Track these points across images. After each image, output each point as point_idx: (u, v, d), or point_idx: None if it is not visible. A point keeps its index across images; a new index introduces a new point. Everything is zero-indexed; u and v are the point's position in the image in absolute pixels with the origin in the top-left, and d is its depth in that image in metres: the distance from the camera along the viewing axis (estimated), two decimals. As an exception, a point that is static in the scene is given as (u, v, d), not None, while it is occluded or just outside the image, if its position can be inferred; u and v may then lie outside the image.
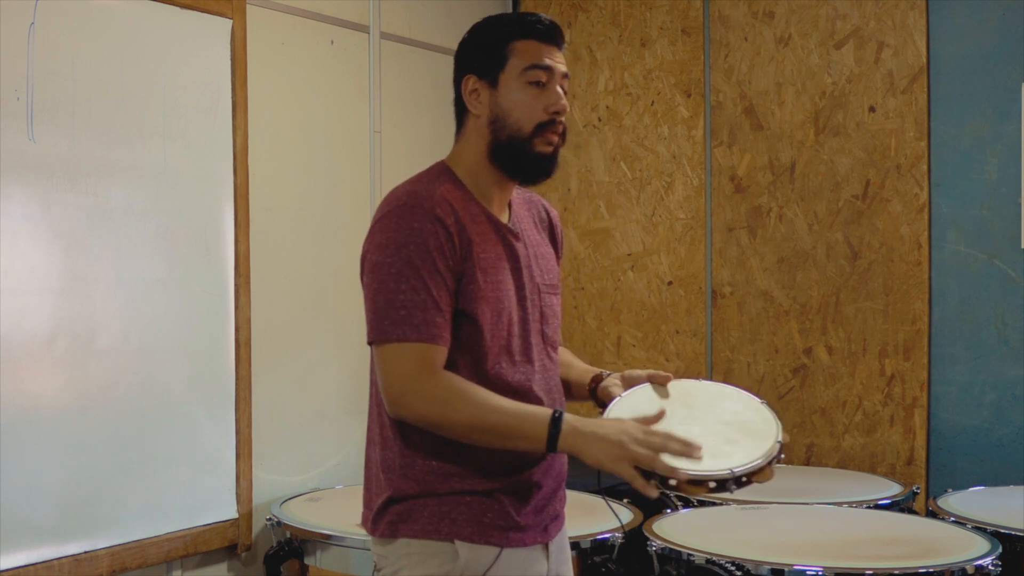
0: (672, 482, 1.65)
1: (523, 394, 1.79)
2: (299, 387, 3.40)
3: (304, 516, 2.93)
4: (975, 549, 2.43)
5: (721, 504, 2.91)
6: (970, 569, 2.31)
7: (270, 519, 2.93)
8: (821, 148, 3.63)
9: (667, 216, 3.93)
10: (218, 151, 3.09)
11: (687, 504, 2.92)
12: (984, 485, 3.18)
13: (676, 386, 1.90)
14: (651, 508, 2.81)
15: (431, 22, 3.82)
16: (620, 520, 2.68)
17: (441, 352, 1.73)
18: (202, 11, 3.02)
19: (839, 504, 2.93)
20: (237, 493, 3.13)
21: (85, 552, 2.73)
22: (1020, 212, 3.31)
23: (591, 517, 2.79)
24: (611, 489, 2.96)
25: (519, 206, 1.94)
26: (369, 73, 3.61)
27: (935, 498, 2.96)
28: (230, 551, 3.15)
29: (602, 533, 2.65)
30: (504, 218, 1.88)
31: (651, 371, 1.91)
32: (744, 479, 1.69)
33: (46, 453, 2.65)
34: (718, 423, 1.80)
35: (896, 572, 2.30)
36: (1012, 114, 3.33)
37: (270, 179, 3.27)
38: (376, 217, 1.78)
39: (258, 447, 3.20)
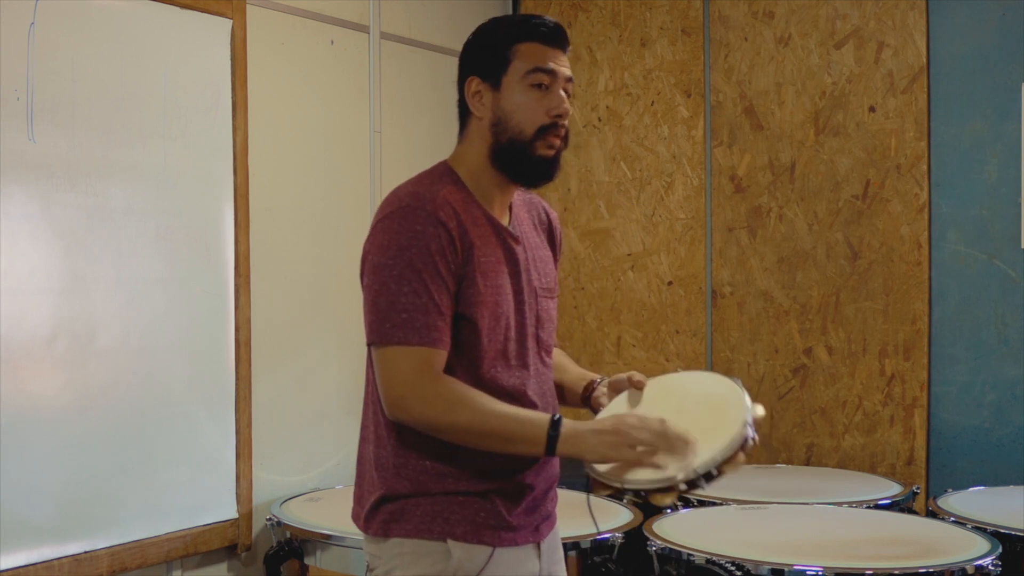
0: (643, 492, 1.70)
1: (517, 398, 1.80)
2: (299, 387, 3.40)
3: (304, 516, 2.93)
4: (975, 549, 2.43)
5: (721, 504, 2.91)
6: (970, 569, 2.31)
7: (270, 519, 2.93)
8: (821, 148, 3.63)
9: (667, 216, 3.93)
10: (218, 151, 3.09)
11: (687, 504, 2.93)
12: (984, 485, 3.18)
13: (652, 385, 1.90)
14: (651, 508, 2.81)
15: (431, 22, 3.82)
16: (597, 526, 2.63)
17: (441, 356, 1.73)
18: (202, 11, 3.02)
19: (839, 504, 2.93)
20: (237, 493, 3.13)
21: (85, 552, 2.73)
22: (1020, 212, 3.31)
23: (590, 518, 2.78)
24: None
25: (519, 208, 1.93)
26: (369, 73, 3.61)
27: (935, 498, 2.96)
28: (230, 551, 3.15)
29: (602, 533, 2.65)
30: (505, 221, 1.87)
31: (631, 373, 1.92)
32: (714, 472, 1.69)
33: (46, 453, 2.65)
34: (687, 418, 1.78)
35: (896, 572, 2.30)
36: (1012, 114, 3.33)
37: (270, 179, 3.27)
38: (378, 217, 1.78)
39: (258, 447, 3.20)
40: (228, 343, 3.12)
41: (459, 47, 1.89)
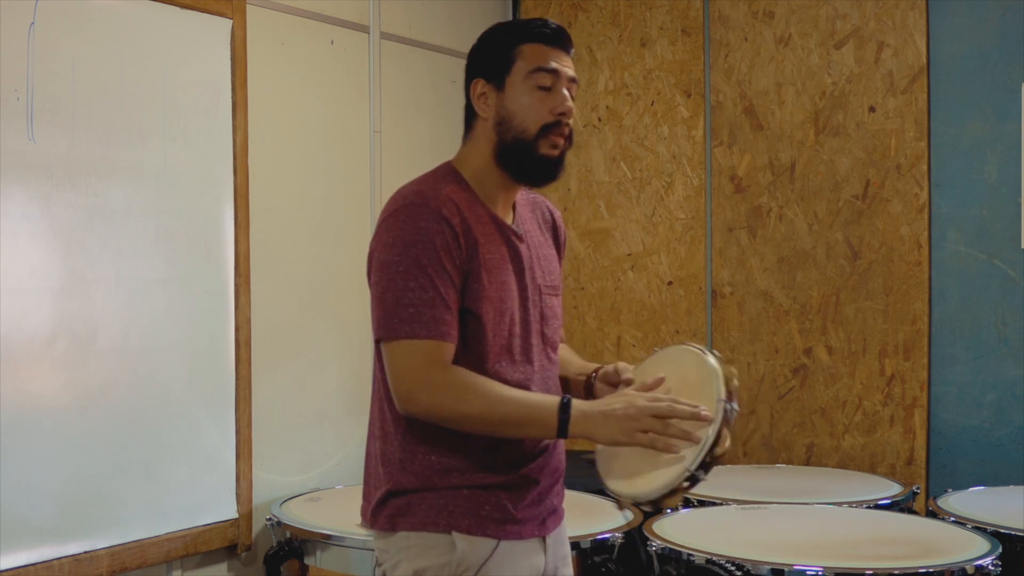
0: (654, 501, 1.74)
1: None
2: (299, 387, 3.40)
3: (304, 516, 2.93)
4: (975, 549, 2.43)
5: (721, 504, 2.91)
6: (970, 569, 2.31)
7: (270, 519, 2.93)
8: (821, 148, 3.63)
9: (667, 216, 3.93)
10: (218, 151, 3.09)
11: (687, 504, 2.93)
12: (984, 485, 3.18)
13: (636, 375, 1.89)
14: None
15: (431, 22, 3.82)
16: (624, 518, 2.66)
17: (449, 349, 1.75)
18: (202, 11, 3.02)
19: (839, 504, 2.93)
20: (237, 493, 3.13)
21: (85, 552, 2.73)
22: (1020, 212, 3.31)
23: (591, 517, 2.79)
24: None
25: (523, 207, 1.96)
26: (369, 73, 3.61)
27: (935, 498, 2.96)
28: (230, 551, 3.15)
29: (602, 533, 2.65)
30: (509, 219, 1.90)
31: (617, 365, 1.93)
32: (707, 459, 1.70)
33: (46, 453, 2.65)
34: None
35: (896, 572, 2.30)
36: (1012, 114, 3.33)
37: (270, 179, 3.27)
38: (382, 216, 1.80)
39: (258, 447, 3.20)
40: (228, 343, 3.12)
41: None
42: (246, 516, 3.15)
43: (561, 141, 1.83)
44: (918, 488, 3.11)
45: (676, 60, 3.90)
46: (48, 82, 2.65)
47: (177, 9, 2.96)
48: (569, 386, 2.01)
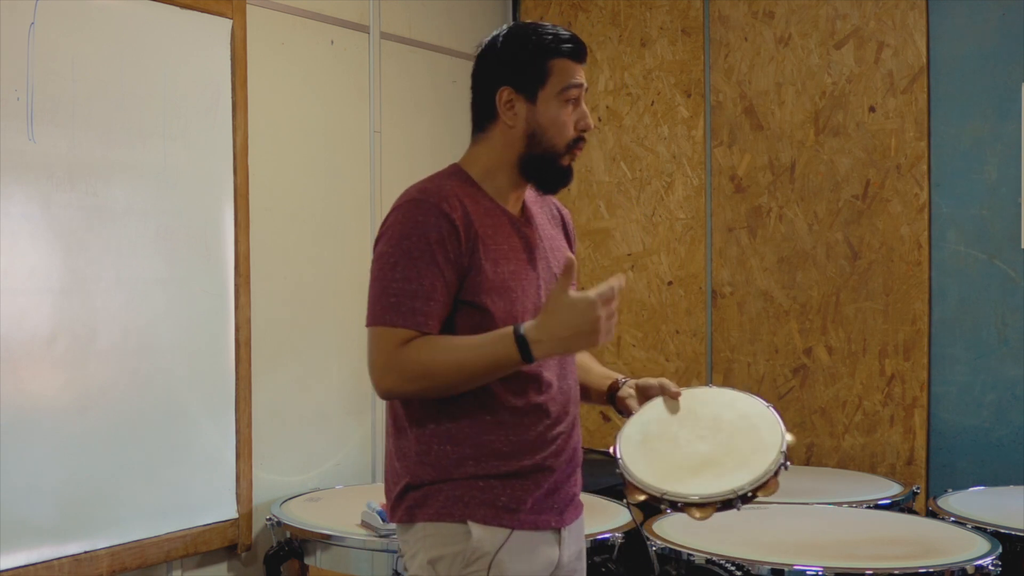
0: (679, 504, 1.78)
1: (534, 378, 1.84)
2: (299, 387, 3.40)
3: (304, 516, 2.93)
4: (975, 549, 2.43)
5: (721, 504, 2.91)
6: (970, 569, 2.31)
7: (270, 519, 2.93)
8: (821, 148, 3.63)
9: (667, 216, 3.93)
10: (218, 151, 3.09)
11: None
12: (984, 485, 3.18)
13: (686, 397, 1.97)
14: (652, 508, 2.81)
15: (431, 22, 3.82)
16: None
17: None
18: (202, 11, 3.02)
19: (839, 504, 2.93)
20: (237, 493, 3.13)
21: (85, 552, 2.73)
22: (1020, 212, 3.31)
23: (591, 517, 2.78)
24: (613, 489, 2.95)
25: (532, 203, 2.00)
26: (369, 73, 3.61)
27: (935, 498, 2.96)
28: (230, 551, 3.15)
29: (602, 533, 2.65)
30: (518, 214, 1.94)
31: (662, 380, 1.99)
32: (749, 494, 1.77)
33: (46, 453, 2.65)
34: (724, 437, 1.89)
35: (896, 572, 2.30)
36: (1012, 114, 3.33)
37: (270, 179, 3.27)
38: (388, 213, 1.86)
39: (258, 447, 3.20)
40: (228, 343, 3.12)
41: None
42: (246, 516, 3.15)
43: (579, 154, 1.91)
44: (918, 488, 3.11)
45: (676, 60, 3.90)
46: (48, 82, 2.65)
47: (177, 9, 2.96)
48: (589, 392, 2.06)
